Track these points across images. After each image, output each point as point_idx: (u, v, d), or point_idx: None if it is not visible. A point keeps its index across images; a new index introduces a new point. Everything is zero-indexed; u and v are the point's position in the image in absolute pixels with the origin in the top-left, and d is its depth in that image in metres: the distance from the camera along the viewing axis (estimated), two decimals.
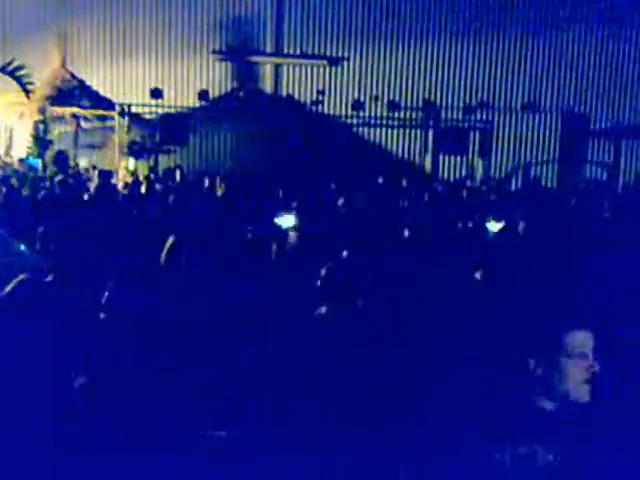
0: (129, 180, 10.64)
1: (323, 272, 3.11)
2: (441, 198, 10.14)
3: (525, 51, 15.70)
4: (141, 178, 10.76)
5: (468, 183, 13.55)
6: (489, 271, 3.81)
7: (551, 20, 15.65)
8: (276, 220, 6.08)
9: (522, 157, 15.97)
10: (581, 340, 1.85)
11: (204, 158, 15.20)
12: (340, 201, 7.98)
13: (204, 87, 14.91)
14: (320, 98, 15.09)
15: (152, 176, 11.36)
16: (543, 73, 15.79)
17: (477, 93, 15.73)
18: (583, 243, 5.50)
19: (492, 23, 15.56)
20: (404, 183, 11.61)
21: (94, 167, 11.46)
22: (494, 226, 6.45)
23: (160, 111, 14.45)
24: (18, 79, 11.89)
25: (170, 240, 3.38)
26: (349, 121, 15.31)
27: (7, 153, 13.37)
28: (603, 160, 15.91)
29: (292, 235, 5.72)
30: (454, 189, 11.53)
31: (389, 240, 5.23)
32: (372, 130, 15.60)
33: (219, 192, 9.24)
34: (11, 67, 11.91)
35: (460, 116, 15.36)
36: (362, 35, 15.60)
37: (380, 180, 11.39)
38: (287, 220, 6.09)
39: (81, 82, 14.34)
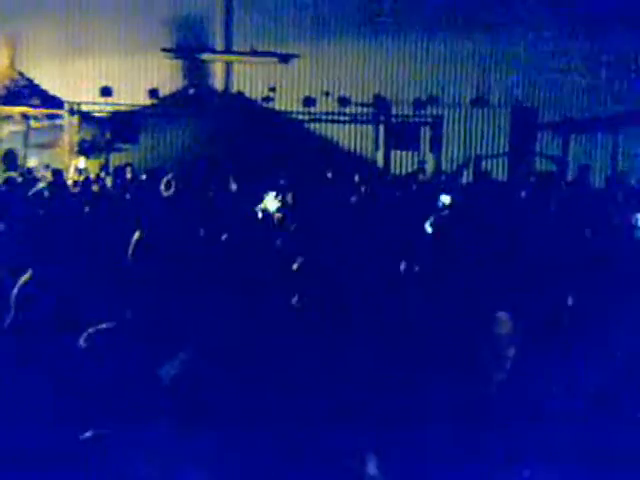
0: (80, 178, 10.83)
1: (296, 266, 3.31)
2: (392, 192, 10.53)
3: (473, 46, 16.12)
4: (92, 176, 10.96)
5: (420, 177, 13.97)
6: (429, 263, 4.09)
7: (499, 17, 16.01)
8: (262, 203, 6.36)
9: (472, 151, 16.37)
10: (504, 323, 2.04)
11: (155, 156, 15.36)
12: (288, 197, 8.35)
13: (154, 85, 15.09)
14: (271, 95, 15.38)
15: (103, 174, 11.55)
16: (492, 68, 16.25)
17: (427, 88, 16.12)
18: (529, 235, 5.83)
19: (441, 18, 15.98)
20: (356, 178, 11.92)
21: (47, 166, 11.59)
22: (444, 199, 6.82)
23: (110, 109, 14.59)
24: None
25: (136, 235, 3.53)
26: (300, 117, 15.65)
27: None
28: (552, 154, 16.31)
29: (277, 216, 6.02)
30: (405, 183, 11.94)
31: (340, 235, 5.52)
32: (323, 126, 15.96)
33: (170, 190, 9.48)
34: None
35: (411, 111, 15.75)
36: (312, 32, 15.93)
37: (329, 175, 11.71)
38: (271, 203, 6.37)
39: (30, 81, 14.39)
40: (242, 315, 2.97)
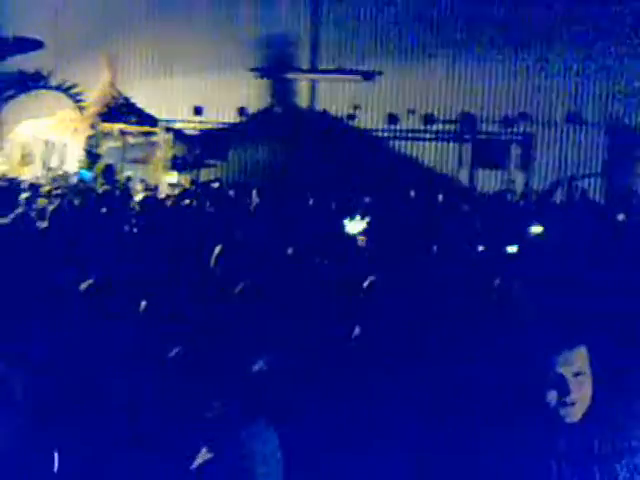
0: (172, 193, 11.47)
1: (366, 284, 3.38)
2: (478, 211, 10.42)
3: (567, 60, 15.84)
4: (182, 191, 11.57)
5: (507, 197, 13.76)
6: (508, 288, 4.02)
7: (593, 31, 15.64)
8: (346, 226, 6.54)
9: (565, 170, 15.98)
10: (578, 359, 1.84)
11: (242, 172, 16.00)
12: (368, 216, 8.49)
13: (242, 104, 15.81)
14: (355, 113, 15.75)
15: (193, 189, 12.15)
16: (586, 84, 15.91)
17: (517, 105, 15.95)
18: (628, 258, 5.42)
19: (532, 33, 15.79)
20: (440, 197, 11.83)
21: (142, 180, 12.30)
22: (535, 230, 6.68)
23: (201, 127, 15.36)
24: (72, 96, 12.86)
25: (218, 248, 3.84)
26: (384, 135, 15.91)
27: (60, 166, 14.46)
28: None
29: (361, 239, 6.18)
30: (490, 202, 11.78)
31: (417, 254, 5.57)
32: (407, 144, 16.12)
33: (255, 204, 9.91)
34: (65, 85, 12.91)
35: (499, 128, 15.65)
36: (397, 49, 16.15)
37: (412, 194, 11.76)
38: (355, 225, 6.57)
39: (128, 100, 15.38)
40: (317, 329, 3.08)
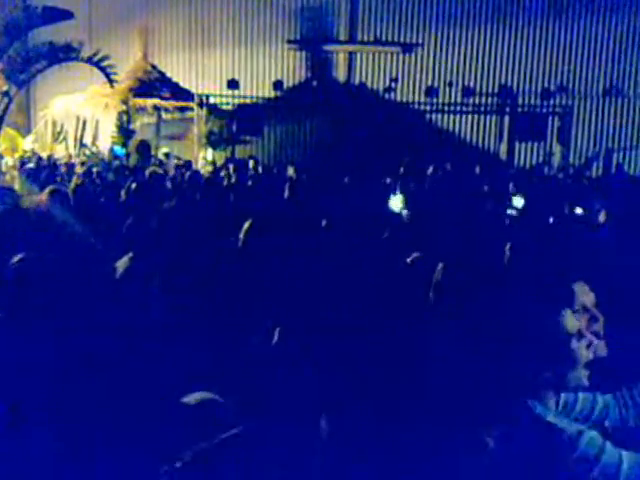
0: (208, 170, 11.09)
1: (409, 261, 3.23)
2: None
3: (606, 33, 15.37)
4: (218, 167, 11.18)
5: (545, 170, 13.39)
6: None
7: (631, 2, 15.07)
8: (389, 202, 6.32)
9: (604, 143, 15.66)
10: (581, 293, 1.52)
11: (278, 147, 15.61)
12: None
13: (279, 77, 15.35)
14: (393, 85, 15.30)
15: (229, 166, 11.73)
16: (625, 55, 15.43)
17: (556, 77, 15.53)
18: None
19: (570, 5, 15.34)
20: (477, 170, 11.55)
21: (177, 157, 11.94)
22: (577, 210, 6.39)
23: (236, 102, 14.92)
24: (103, 69, 12.50)
25: (247, 224, 3.55)
26: (422, 108, 15.44)
27: (93, 142, 14.13)
28: None
29: (405, 214, 5.93)
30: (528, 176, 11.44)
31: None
32: (445, 116, 15.72)
33: (292, 180, 9.54)
34: (97, 58, 12.54)
35: (538, 101, 15.15)
36: (436, 20, 15.72)
37: (448, 167, 11.37)
38: (396, 202, 6.31)
39: (162, 74, 14.92)
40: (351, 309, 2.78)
